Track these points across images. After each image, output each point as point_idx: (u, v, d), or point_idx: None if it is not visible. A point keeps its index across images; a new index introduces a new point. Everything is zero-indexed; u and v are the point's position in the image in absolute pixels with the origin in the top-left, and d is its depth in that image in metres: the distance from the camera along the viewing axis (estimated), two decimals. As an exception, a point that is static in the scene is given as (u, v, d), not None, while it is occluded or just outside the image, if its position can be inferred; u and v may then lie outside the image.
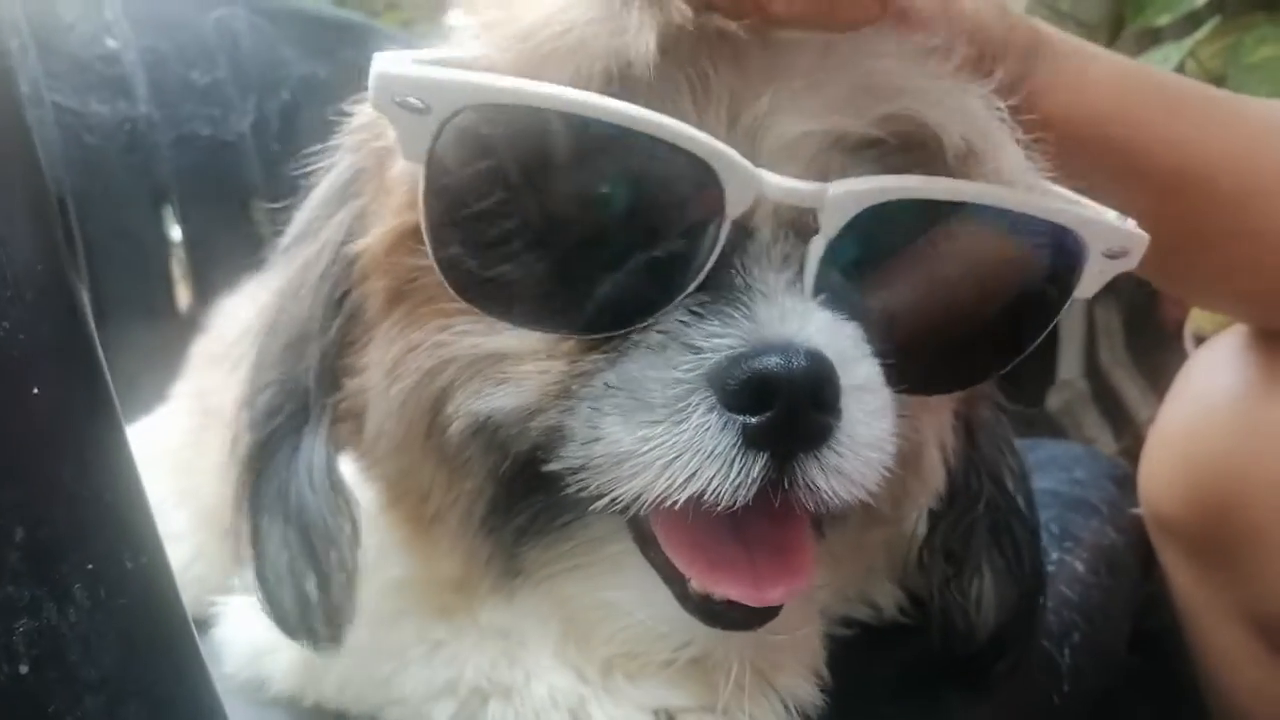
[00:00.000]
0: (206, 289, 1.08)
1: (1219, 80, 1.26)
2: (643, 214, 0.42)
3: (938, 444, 0.52)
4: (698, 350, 0.41)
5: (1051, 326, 0.49)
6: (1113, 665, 0.73)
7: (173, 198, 1.11)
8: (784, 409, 0.39)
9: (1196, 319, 1.32)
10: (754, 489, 0.40)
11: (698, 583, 0.43)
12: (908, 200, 0.43)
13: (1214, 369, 0.86)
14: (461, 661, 0.50)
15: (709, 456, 0.40)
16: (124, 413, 0.91)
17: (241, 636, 0.60)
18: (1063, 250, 0.46)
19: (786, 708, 0.48)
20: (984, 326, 0.47)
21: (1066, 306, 0.48)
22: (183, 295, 1.10)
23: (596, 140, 0.41)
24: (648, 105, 0.41)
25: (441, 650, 0.51)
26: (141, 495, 0.42)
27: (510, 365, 0.44)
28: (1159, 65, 1.25)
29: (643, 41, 0.41)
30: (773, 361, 0.39)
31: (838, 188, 0.42)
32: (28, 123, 0.40)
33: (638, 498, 0.41)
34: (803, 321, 0.41)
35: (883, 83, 0.44)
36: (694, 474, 0.40)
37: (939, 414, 0.51)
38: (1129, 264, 0.47)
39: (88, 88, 1.06)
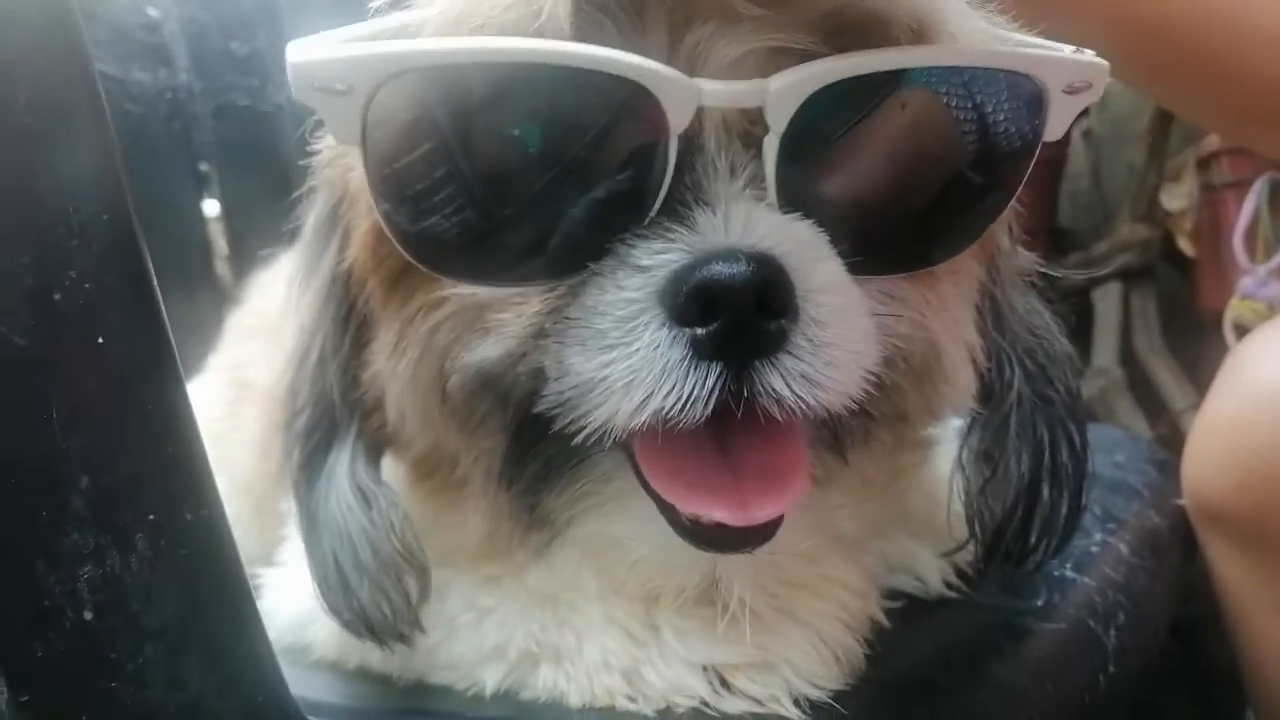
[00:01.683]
0: (244, 257, 1.08)
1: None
2: (589, 149, 0.41)
3: (958, 342, 0.50)
4: (645, 269, 0.41)
5: (1028, 172, 0.47)
6: (1154, 648, 0.72)
7: (212, 166, 1.11)
8: (730, 316, 0.39)
9: (1237, 308, 1.31)
10: (711, 401, 0.40)
11: (681, 507, 0.43)
12: (855, 80, 0.41)
13: (1265, 358, 0.84)
14: (511, 626, 0.51)
15: (662, 372, 0.40)
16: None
17: (283, 608, 0.61)
18: (1023, 95, 0.45)
19: (837, 659, 0.48)
20: (961, 189, 0.46)
21: (1037, 151, 0.47)
22: (221, 263, 1.10)
23: (527, 85, 0.40)
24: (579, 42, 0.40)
25: (490, 616, 0.52)
26: (201, 448, 0.42)
27: (492, 314, 0.44)
28: None
29: (560, 14, 0.40)
30: (715, 269, 0.39)
31: (779, 80, 0.41)
32: (95, 76, 0.40)
33: (607, 425, 0.41)
34: (748, 226, 0.41)
35: None
36: (650, 393, 0.40)
37: (953, 309, 0.49)
38: (1093, 95, 0.46)
39: (129, 56, 1.07)
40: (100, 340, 0.38)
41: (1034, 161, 0.47)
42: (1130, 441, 0.95)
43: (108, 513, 0.38)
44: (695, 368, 0.40)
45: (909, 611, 0.56)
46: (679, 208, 0.41)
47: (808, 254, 0.42)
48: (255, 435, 0.80)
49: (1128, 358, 1.47)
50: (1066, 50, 0.47)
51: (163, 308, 0.42)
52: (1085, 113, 1.56)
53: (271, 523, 0.68)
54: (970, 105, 0.45)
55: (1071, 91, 0.46)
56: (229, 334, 0.94)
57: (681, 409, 0.40)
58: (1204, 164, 1.37)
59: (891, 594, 0.57)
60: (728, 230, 0.40)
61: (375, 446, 0.53)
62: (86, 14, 1.08)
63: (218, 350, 0.94)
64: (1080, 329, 1.52)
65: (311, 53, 0.40)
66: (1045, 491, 0.54)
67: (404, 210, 0.42)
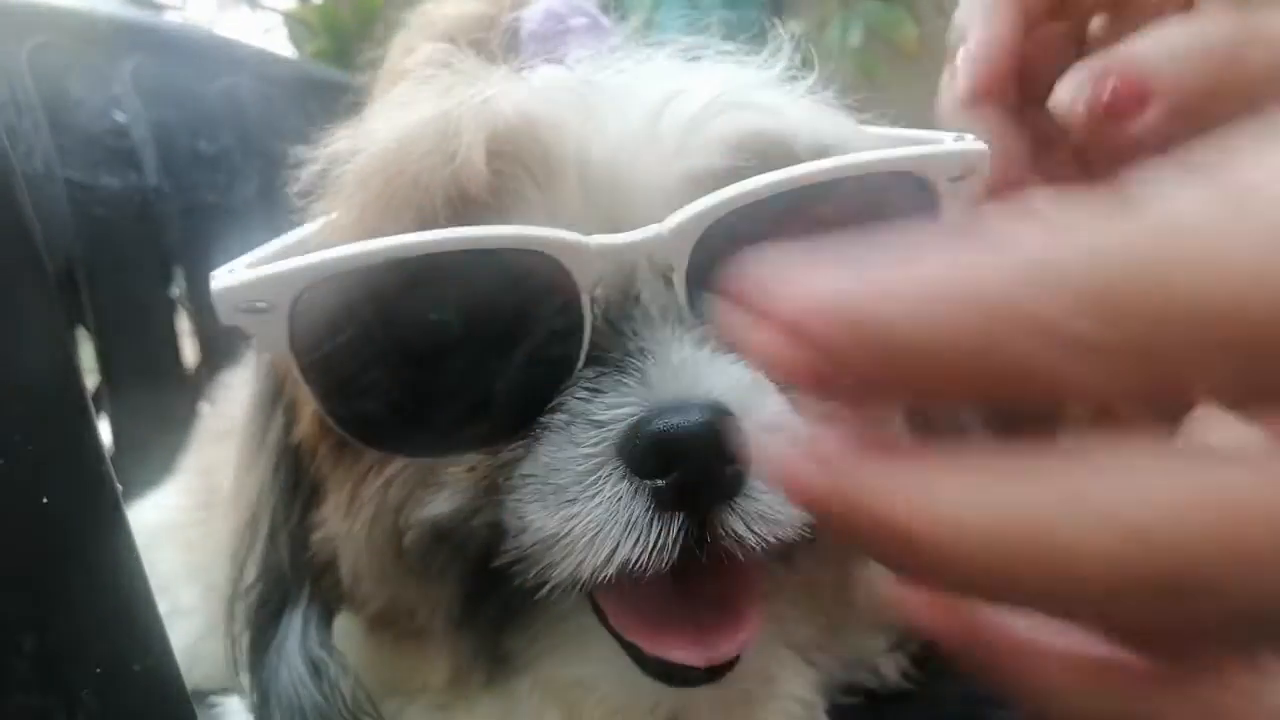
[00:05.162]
0: (215, 354, 1.09)
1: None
2: (513, 318, 0.43)
3: None
4: (600, 424, 0.41)
5: None
6: None
7: (181, 265, 1.13)
8: (690, 466, 0.40)
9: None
10: (676, 550, 0.41)
11: (646, 649, 0.44)
12: (751, 204, 0.43)
13: None
14: None
15: (627, 526, 0.40)
16: (138, 481, 0.92)
17: None
18: (914, 190, 0.46)
19: None
20: None
21: None
22: (191, 361, 1.11)
23: (439, 270, 0.41)
24: (491, 212, 0.42)
25: None
26: (148, 594, 0.43)
27: (443, 470, 0.45)
28: None
29: (474, 160, 0.42)
30: (670, 422, 0.40)
31: (670, 221, 0.42)
32: (38, 240, 0.41)
33: (574, 577, 0.42)
34: (696, 375, 0.42)
35: (728, 110, 0.45)
36: (616, 546, 0.40)
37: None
38: (981, 176, 0.47)
39: (98, 162, 1.08)
40: (44, 500, 0.39)
41: None
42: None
43: (53, 673, 0.38)
44: (659, 518, 0.40)
45: (867, 709, 0.57)
46: (624, 358, 0.43)
47: (753, 396, 0.43)
48: (222, 541, 0.81)
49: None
50: (948, 139, 0.49)
51: (106, 457, 0.43)
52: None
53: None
54: (868, 209, 0.46)
55: (957, 179, 0.47)
56: (198, 436, 0.94)
57: (648, 559, 0.41)
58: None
59: (849, 689, 0.57)
60: (677, 380, 0.42)
61: (327, 607, 0.53)
62: (55, 124, 1.10)
63: (189, 452, 0.94)
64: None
65: (231, 278, 0.42)
66: None
67: (341, 400, 0.44)
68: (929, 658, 0.57)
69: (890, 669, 0.59)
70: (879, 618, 0.59)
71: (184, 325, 1.13)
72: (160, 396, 1.06)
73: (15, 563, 0.39)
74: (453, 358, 0.43)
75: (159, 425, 1.02)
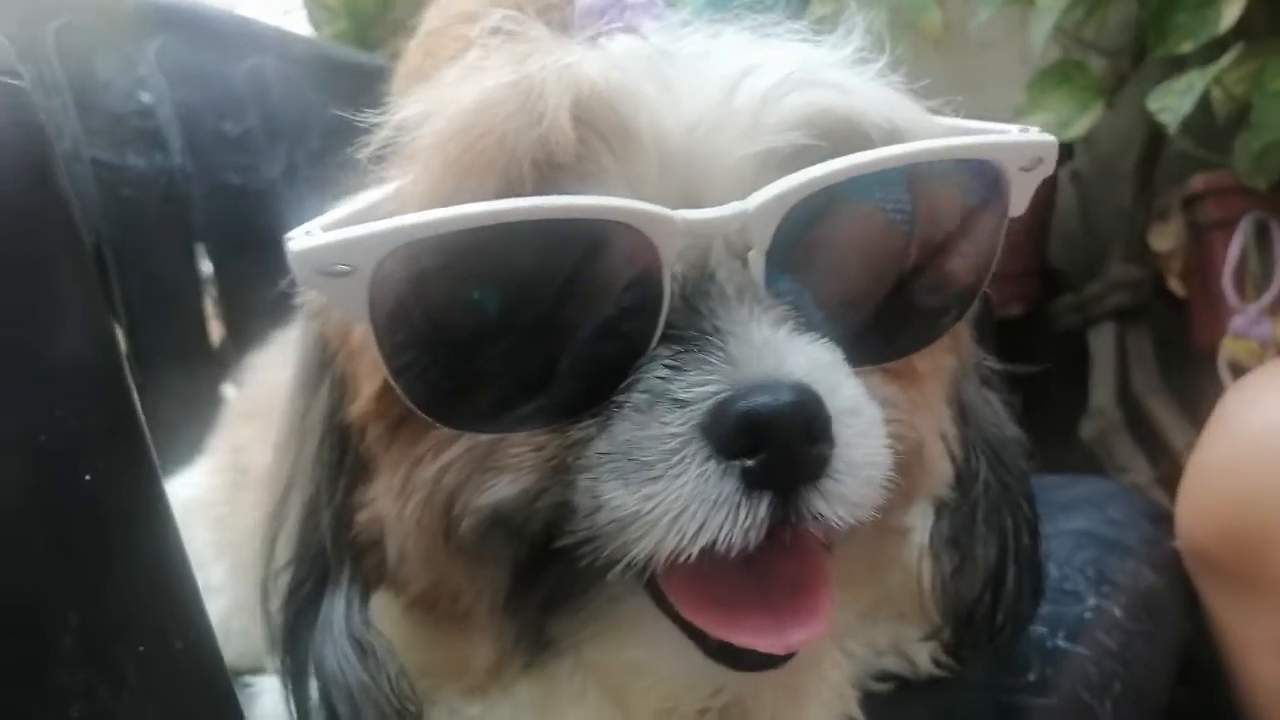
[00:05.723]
0: (241, 334, 1.10)
1: (1244, 108, 1.25)
2: (592, 290, 0.42)
3: (938, 436, 0.52)
4: (684, 403, 0.41)
5: (999, 252, 0.49)
6: (1155, 712, 0.72)
7: (207, 246, 1.13)
8: (779, 446, 0.40)
9: (1230, 348, 1.31)
10: (764, 529, 0.40)
11: (715, 634, 0.43)
12: (831, 185, 0.43)
13: (1252, 403, 0.87)
14: None
15: (715, 504, 0.40)
16: (166, 460, 0.92)
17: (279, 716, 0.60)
18: (986, 179, 0.47)
19: None
20: (940, 273, 0.48)
21: (1004, 229, 0.49)
22: (218, 341, 1.11)
23: (525, 238, 0.41)
24: (574, 178, 0.42)
25: None
26: (189, 573, 0.43)
27: (506, 452, 0.44)
28: (1183, 93, 1.24)
29: (562, 123, 0.41)
30: (759, 401, 0.39)
31: (755, 199, 0.42)
32: (78, 226, 0.41)
33: (651, 557, 0.41)
34: (780, 355, 0.42)
35: (801, 87, 0.45)
36: (703, 524, 0.40)
37: (934, 405, 0.52)
38: (1047, 169, 0.48)
39: (124, 142, 1.09)
40: (87, 477, 0.39)
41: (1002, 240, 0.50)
42: (1124, 495, 0.96)
43: (97, 649, 0.38)
44: (747, 497, 0.40)
45: (900, 695, 0.56)
46: (702, 336, 0.42)
47: (834, 378, 0.43)
48: (253, 519, 0.81)
49: (1125, 397, 1.47)
50: (1014, 130, 0.49)
51: (148, 436, 0.43)
52: (1071, 154, 1.58)
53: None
54: (942, 194, 0.47)
55: (1027, 169, 0.48)
56: (226, 416, 0.94)
57: (734, 539, 0.40)
58: (1189, 204, 1.38)
59: (881, 676, 0.57)
60: (761, 359, 0.41)
61: (365, 587, 0.52)
62: (82, 104, 1.10)
63: (217, 432, 0.95)
64: (1076, 370, 1.52)
65: (311, 240, 0.41)
66: (1010, 577, 0.55)
67: (417, 372, 0.43)
68: (961, 644, 0.57)
69: (922, 657, 0.59)
70: (909, 607, 0.59)
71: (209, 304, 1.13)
72: (186, 374, 1.06)
73: (59, 540, 0.39)
74: (530, 329, 0.42)
75: (185, 402, 1.02)
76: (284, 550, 0.53)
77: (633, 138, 0.43)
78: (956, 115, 0.51)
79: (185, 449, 0.94)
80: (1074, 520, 0.84)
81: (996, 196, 0.48)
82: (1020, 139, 0.48)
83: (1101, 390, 1.47)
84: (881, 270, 0.47)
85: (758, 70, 0.45)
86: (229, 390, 1.00)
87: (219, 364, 1.11)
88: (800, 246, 0.43)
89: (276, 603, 0.53)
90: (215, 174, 1.14)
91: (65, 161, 1.00)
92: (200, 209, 1.12)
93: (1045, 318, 1.55)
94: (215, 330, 1.13)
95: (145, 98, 1.12)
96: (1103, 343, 1.48)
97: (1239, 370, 1.29)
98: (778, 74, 0.45)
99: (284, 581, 0.53)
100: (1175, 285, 1.41)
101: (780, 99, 0.44)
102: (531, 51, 0.44)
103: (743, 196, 0.43)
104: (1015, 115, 1.41)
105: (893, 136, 0.45)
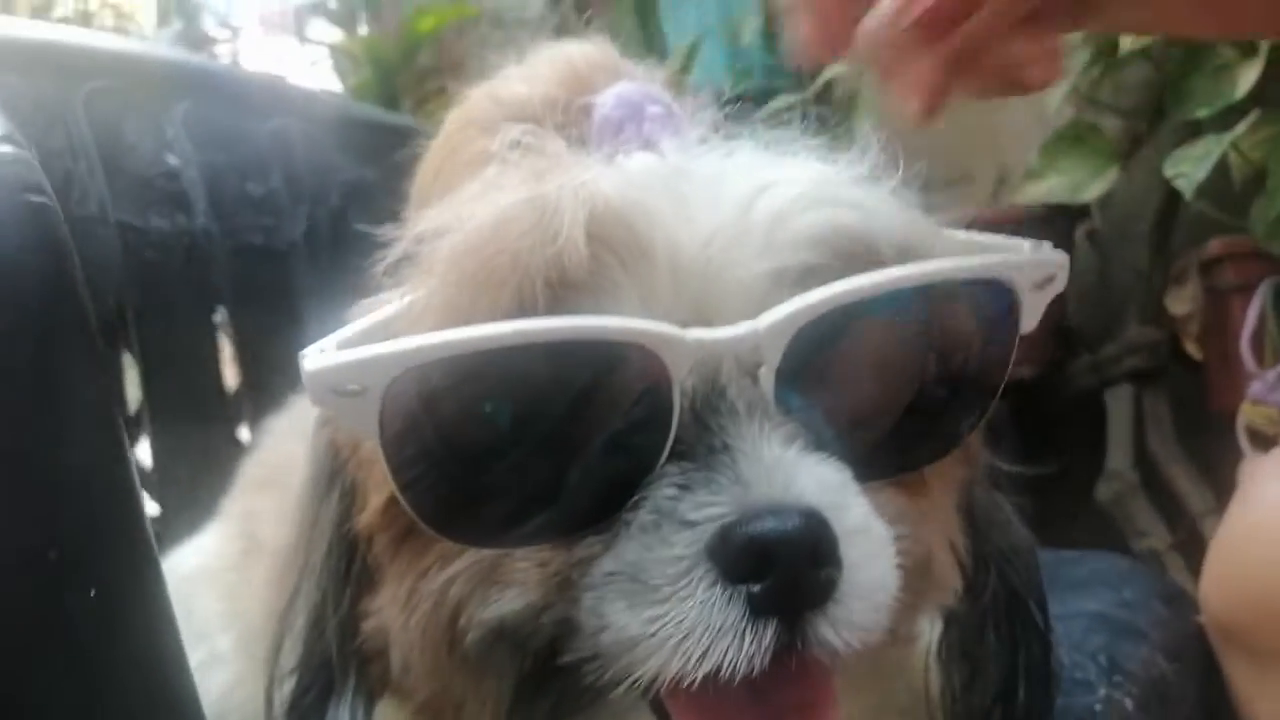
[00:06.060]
0: (257, 387, 1.11)
1: (1261, 173, 1.25)
2: (602, 407, 0.42)
3: (947, 547, 0.52)
4: (691, 524, 0.41)
5: (1010, 366, 0.49)
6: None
7: (227, 307, 1.15)
8: (786, 572, 0.40)
9: (1248, 413, 1.30)
10: (769, 656, 0.40)
11: None
12: (842, 305, 0.43)
13: (1276, 476, 0.86)
14: None
15: (720, 631, 0.40)
16: (179, 523, 0.93)
17: None
18: (998, 297, 0.47)
19: None
20: (950, 390, 0.48)
21: (1016, 344, 0.49)
22: (236, 402, 1.13)
23: (535, 358, 0.41)
24: (588, 294, 0.42)
25: None
26: (189, 678, 0.44)
27: (511, 567, 0.45)
28: (1199, 159, 1.25)
29: (576, 241, 0.41)
30: (767, 526, 0.39)
31: (766, 318, 0.42)
32: (93, 330, 0.42)
33: (654, 679, 0.41)
34: (789, 476, 0.41)
35: (816, 206, 0.45)
36: (707, 650, 0.40)
37: (944, 515, 0.51)
38: (1058, 286, 0.48)
39: (149, 204, 1.10)
40: (92, 593, 0.40)
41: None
42: (1138, 574, 0.95)
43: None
44: (753, 623, 0.40)
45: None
46: (710, 454, 0.42)
47: (842, 498, 0.43)
48: (262, 588, 0.82)
49: (1142, 460, 1.46)
50: (1026, 247, 0.50)
51: (153, 543, 0.43)
52: (1087, 214, 1.58)
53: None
54: (953, 312, 0.47)
55: (1040, 286, 0.48)
56: (240, 481, 0.95)
57: (738, 665, 0.40)
58: (1206, 268, 1.38)
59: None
60: (770, 481, 0.41)
61: (369, 695, 0.52)
62: (110, 168, 1.12)
63: (231, 497, 0.96)
64: (1093, 432, 1.51)
65: (324, 359, 0.42)
66: (1021, 690, 0.54)
67: (425, 486, 0.43)
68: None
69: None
70: (919, 712, 0.58)
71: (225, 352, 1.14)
72: (206, 436, 1.07)
73: (64, 648, 0.39)
74: (539, 447, 0.42)
75: (198, 456, 1.04)
76: (289, 655, 0.53)
77: (646, 254, 0.44)
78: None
79: (196, 505, 0.95)
80: (1087, 601, 0.83)
81: (1009, 314, 0.48)
82: (1032, 258, 0.48)
83: (1118, 453, 1.46)
84: (893, 386, 0.47)
85: (772, 188, 0.45)
86: (245, 443, 1.01)
87: (233, 416, 1.12)
88: (811, 364, 0.44)
89: (280, 710, 0.53)
90: (238, 235, 1.16)
91: (90, 225, 1.03)
92: (222, 270, 1.14)
93: (1061, 378, 1.55)
94: (234, 396, 1.14)
95: (172, 160, 1.14)
96: (1120, 405, 1.47)
97: (1257, 436, 1.28)
98: (792, 192, 0.45)
99: (289, 688, 0.53)
100: (1192, 349, 1.40)
101: (794, 217, 0.45)
102: (549, 168, 0.45)
103: (755, 313, 0.43)
104: (1029, 177, 1.42)
105: (905, 255, 0.45)
